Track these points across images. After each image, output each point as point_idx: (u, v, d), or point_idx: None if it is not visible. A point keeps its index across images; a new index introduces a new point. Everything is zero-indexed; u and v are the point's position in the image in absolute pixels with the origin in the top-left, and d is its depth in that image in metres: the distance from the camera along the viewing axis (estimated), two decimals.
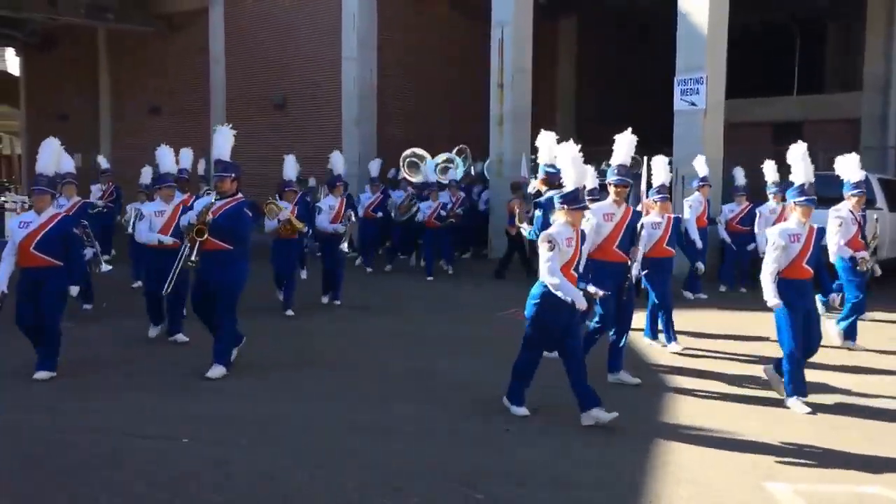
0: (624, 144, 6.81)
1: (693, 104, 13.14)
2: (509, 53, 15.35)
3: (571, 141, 5.97)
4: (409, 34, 19.42)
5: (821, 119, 19.09)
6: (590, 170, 9.88)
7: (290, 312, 9.65)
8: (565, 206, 5.65)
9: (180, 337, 8.16)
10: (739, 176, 11.91)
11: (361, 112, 18.18)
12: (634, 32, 22.84)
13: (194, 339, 8.10)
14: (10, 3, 21.19)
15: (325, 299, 10.52)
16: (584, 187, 6.01)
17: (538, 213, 10.67)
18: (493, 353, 7.87)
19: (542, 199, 7.88)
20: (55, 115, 26.45)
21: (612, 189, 6.73)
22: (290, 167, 10.35)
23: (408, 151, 14.18)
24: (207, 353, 7.60)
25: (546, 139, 8.14)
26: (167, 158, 8.58)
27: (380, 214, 14.15)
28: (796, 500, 4.48)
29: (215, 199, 6.90)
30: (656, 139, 18.31)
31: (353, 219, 11.72)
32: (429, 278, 13.00)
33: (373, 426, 5.63)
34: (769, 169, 10.82)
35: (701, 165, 11.34)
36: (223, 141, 7.09)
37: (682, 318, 9.14)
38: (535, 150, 13.40)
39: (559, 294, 5.51)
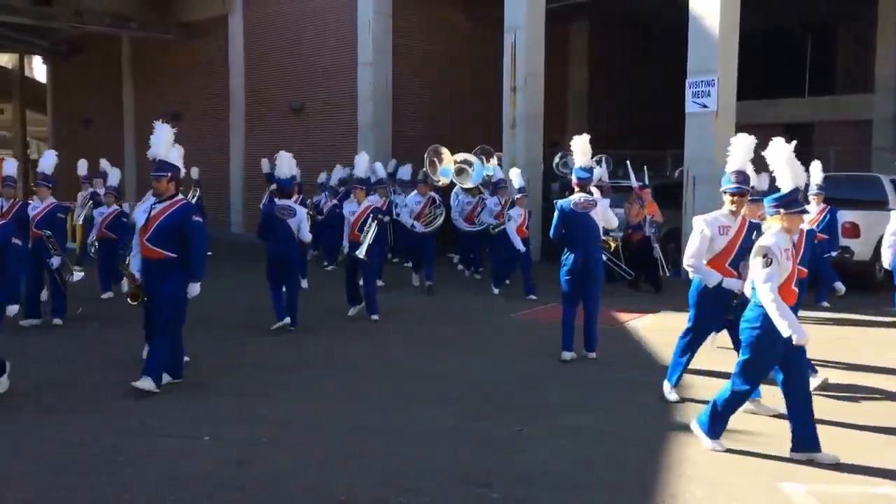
0: (742, 148, 5.98)
1: (704, 106, 13.18)
2: (522, 57, 15.46)
3: (781, 139, 5.30)
4: (424, 40, 19.64)
5: (832, 121, 19.17)
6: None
7: (277, 326, 8.88)
8: (782, 211, 4.93)
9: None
10: (817, 173, 10.72)
11: (377, 116, 18.38)
12: (646, 36, 23.00)
13: (212, 341, 8.31)
14: (39, 14, 21.75)
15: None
16: (799, 189, 5.20)
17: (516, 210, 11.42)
18: (508, 353, 8.05)
19: (561, 201, 7.87)
20: (80, 120, 27.07)
21: (727, 198, 5.92)
22: (286, 164, 10.55)
23: (459, 157, 12.37)
24: (226, 353, 7.92)
25: (580, 142, 7.85)
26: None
27: (386, 218, 13.62)
28: (810, 500, 4.48)
29: (154, 203, 6.54)
30: (667, 142, 18.55)
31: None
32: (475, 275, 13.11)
33: (387, 427, 5.68)
34: (815, 170, 10.42)
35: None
36: (159, 138, 6.64)
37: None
38: (550, 155, 13.59)
39: (775, 321, 4.75)
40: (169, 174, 6.53)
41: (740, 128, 13.95)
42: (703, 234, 5.85)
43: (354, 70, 18.66)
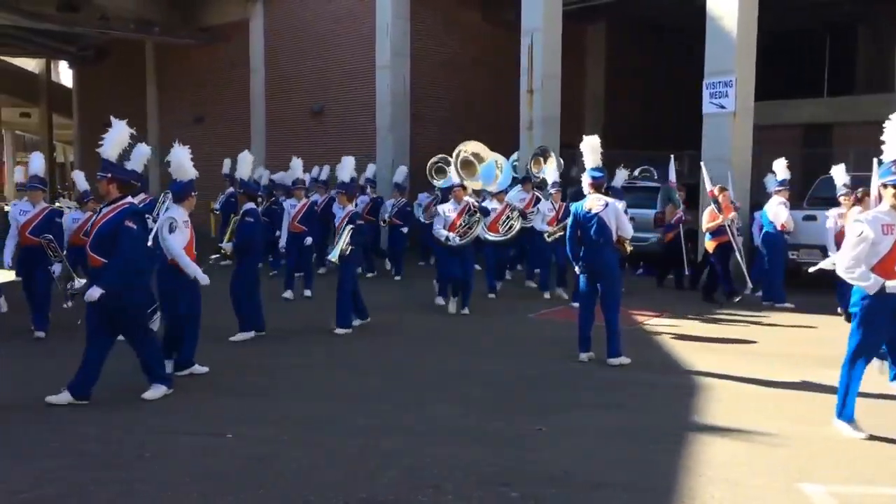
0: None
1: (722, 107, 13.19)
2: (539, 60, 15.52)
3: None
4: (442, 43, 19.77)
5: (851, 121, 19.01)
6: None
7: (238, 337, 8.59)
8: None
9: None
10: (840, 174, 10.60)
11: (395, 119, 18.51)
12: (663, 37, 22.99)
13: (233, 342, 8.50)
14: (65, 19, 22.15)
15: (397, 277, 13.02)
16: None
17: (535, 211, 11.57)
18: (526, 353, 8.10)
19: (574, 204, 7.90)
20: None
21: (888, 192, 5.28)
22: (298, 168, 12.47)
23: (469, 146, 10.85)
24: (247, 354, 8.02)
25: (590, 143, 7.84)
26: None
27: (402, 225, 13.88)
28: (830, 501, 4.46)
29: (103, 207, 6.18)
30: (685, 143, 18.55)
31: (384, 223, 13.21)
32: (490, 295, 11.58)
33: (407, 426, 5.73)
34: (839, 172, 10.43)
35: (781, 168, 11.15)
36: (112, 136, 6.24)
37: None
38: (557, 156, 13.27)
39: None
40: (109, 175, 6.04)
41: (758, 128, 14.08)
42: (863, 237, 5.19)
43: (373, 73, 18.80)
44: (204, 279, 6.99)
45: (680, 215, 12.32)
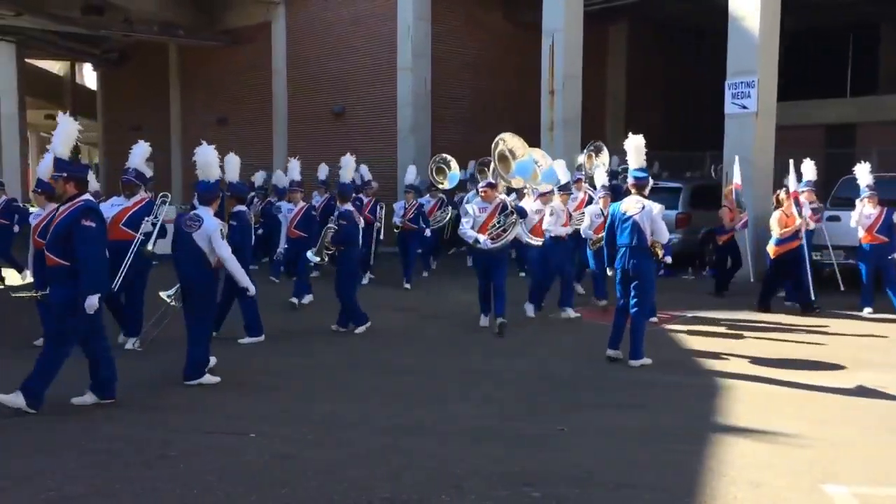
0: None
1: (744, 107, 13.13)
2: (560, 60, 15.50)
3: None
4: (463, 44, 19.78)
5: (875, 121, 18.87)
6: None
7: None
8: None
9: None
10: (864, 175, 10.51)
11: (416, 120, 18.58)
12: (684, 37, 22.91)
13: (256, 343, 8.57)
14: (90, 22, 22.44)
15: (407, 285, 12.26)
16: None
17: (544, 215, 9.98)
18: (549, 353, 8.11)
19: (613, 204, 7.83)
20: (129, 126, 27.79)
21: None
22: (295, 170, 11.88)
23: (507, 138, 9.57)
24: (269, 354, 8.10)
25: (635, 142, 7.69)
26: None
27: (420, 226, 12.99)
28: (854, 502, 4.44)
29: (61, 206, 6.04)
30: (706, 143, 18.48)
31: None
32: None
33: (429, 426, 5.74)
34: (863, 172, 10.45)
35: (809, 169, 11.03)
36: (59, 134, 6.10)
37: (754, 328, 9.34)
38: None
39: None
40: (65, 174, 5.93)
41: (781, 129, 14.03)
42: None
43: (394, 74, 18.87)
44: (251, 287, 7.27)
45: (745, 219, 11.80)
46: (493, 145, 9.19)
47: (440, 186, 13.57)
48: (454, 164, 13.59)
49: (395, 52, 18.83)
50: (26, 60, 30.49)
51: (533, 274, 10.35)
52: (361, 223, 9.84)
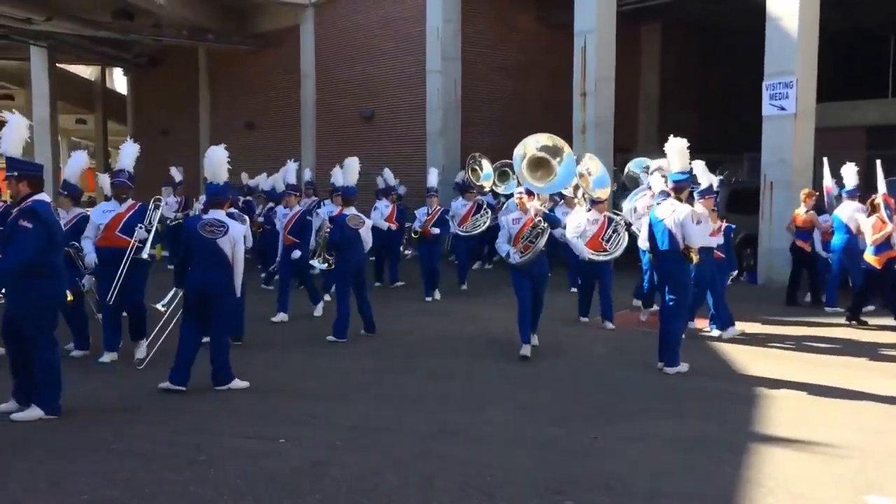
0: None
1: (782, 109, 12.89)
2: (592, 61, 15.32)
3: None
4: (493, 46, 19.63)
5: None
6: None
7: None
8: None
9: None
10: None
11: (445, 123, 18.49)
12: (719, 37, 22.51)
13: (283, 347, 8.55)
14: (121, 27, 22.60)
15: (428, 298, 11.46)
16: None
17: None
18: (582, 360, 8.02)
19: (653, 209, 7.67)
20: (158, 130, 27.98)
21: None
22: (291, 172, 11.53)
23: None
24: (297, 359, 8.07)
25: (676, 145, 7.54)
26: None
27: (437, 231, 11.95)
28: None
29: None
30: (743, 145, 18.08)
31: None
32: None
33: (462, 431, 5.70)
34: (849, 171, 10.38)
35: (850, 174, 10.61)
36: (6, 133, 5.92)
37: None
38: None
39: None
40: (16, 173, 5.73)
41: (820, 131, 13.67)
42: None
43: (423, 77, 18.80)
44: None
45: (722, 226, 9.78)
46: (520, 148, 7.93)
47: (480, 187, 12.99)
48: (486, 162, 13.27)
49: (424, 55, 18.77)
50: (57, 65, 30.81)
51: (579, 286, 10.02)
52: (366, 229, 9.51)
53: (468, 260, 13.32)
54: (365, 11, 20.51)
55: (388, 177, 14.55)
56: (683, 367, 7.35)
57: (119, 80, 38.40)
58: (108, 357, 7.72)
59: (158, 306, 7.28)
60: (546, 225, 7.95)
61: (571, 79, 15.78)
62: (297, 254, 10.13)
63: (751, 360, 7.89)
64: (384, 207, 12.93)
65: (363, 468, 4.96)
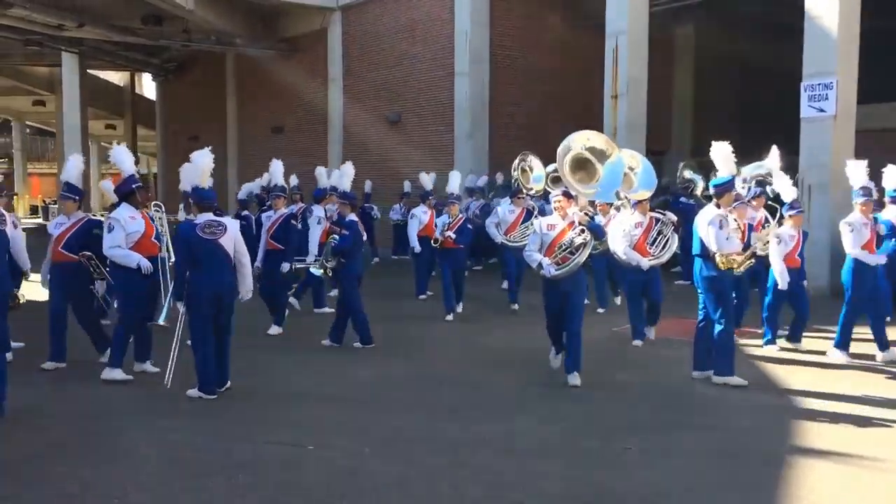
0: None
1: (822, 110, 12.56)
2: (624, 63, 15.08)
3: None
4: (522, 48, 19.47)
5: None
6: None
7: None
8: None
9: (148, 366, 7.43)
10: None
11: (473, 126, 18.35)
12: (755, 38, 22.06)
13: (314, 353, 8.47)
14: (151, 33, 22.74)
15: (459, 308, 10.88)
16: None
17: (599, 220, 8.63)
18: (617, 369, 7.84)
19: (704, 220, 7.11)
20: (187, 135, 28.14)
21: None
22: (278, 173, 10.73)
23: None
24: (328, 365, 8.02)
25: (721, 150, 7.24)
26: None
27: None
28: None
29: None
30: (781, 147, 17.56)
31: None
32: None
33: (492, 441, 5.61)
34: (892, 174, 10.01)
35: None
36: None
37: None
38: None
39: None
40: None
41: (861, 133, 13.24)
42: None
43: (451, 80, 18.67)
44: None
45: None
46: (564, 144, 6.96)
47: (529, 190, 11.26)
48: (538, 162, 11.26)
49: (452, 58, 18.67)
50: (88, 71, 31.15)
51: (630, 298, 9.00)
52: (365, 236, 9.53)
53: (518, 272, 11.35)
54: (393, 14, 20.43)
55: (426, 181, 13.60)
56: (732, 379, 6.98)
57: (148, 86, 38.76)
58: (147, 366, 7.45)
59: (160, 322, 6.97)
60: (589, 236, 6.94)
61: (602, 81, 15.54)
62: (285, 266, 9.48)
63: (789, 371, 7.69)
64: (422, 214, 12.39)
65: (392, 477, 4.90)
